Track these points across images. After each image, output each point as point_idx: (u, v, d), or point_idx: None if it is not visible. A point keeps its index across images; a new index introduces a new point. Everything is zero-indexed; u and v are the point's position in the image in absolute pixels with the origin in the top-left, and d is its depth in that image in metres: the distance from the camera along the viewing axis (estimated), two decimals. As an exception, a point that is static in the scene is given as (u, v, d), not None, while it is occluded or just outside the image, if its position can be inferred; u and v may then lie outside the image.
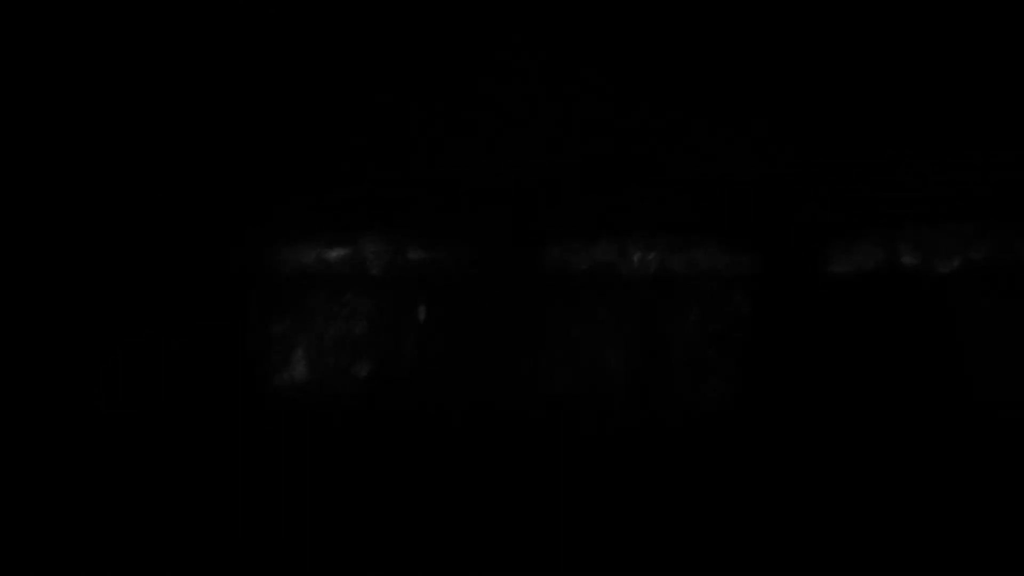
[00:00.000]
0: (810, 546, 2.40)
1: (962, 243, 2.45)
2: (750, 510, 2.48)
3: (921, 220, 2.47)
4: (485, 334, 2.63)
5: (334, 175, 2.64)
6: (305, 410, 2.63)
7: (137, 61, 2.56)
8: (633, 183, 2.61)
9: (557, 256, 2.65)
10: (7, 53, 2.53)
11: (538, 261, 2.65)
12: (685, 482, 2.52)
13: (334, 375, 2.66)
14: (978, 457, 2.39)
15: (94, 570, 2.43)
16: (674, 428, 2.58)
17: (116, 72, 2.57)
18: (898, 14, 2.46)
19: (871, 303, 2.51)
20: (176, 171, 2.62)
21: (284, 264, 2.66)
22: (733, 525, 2.47)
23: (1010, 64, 2.42)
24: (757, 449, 2.53)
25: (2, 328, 2.55)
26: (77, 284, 2.58)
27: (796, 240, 2.57)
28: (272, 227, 2.65)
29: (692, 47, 2.54)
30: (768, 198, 2.57)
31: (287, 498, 2.54)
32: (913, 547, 2.36)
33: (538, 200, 2.62)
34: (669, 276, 2.61)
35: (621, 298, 2.63)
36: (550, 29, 2.56)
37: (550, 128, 2.60)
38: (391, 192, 2.65)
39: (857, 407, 2.50)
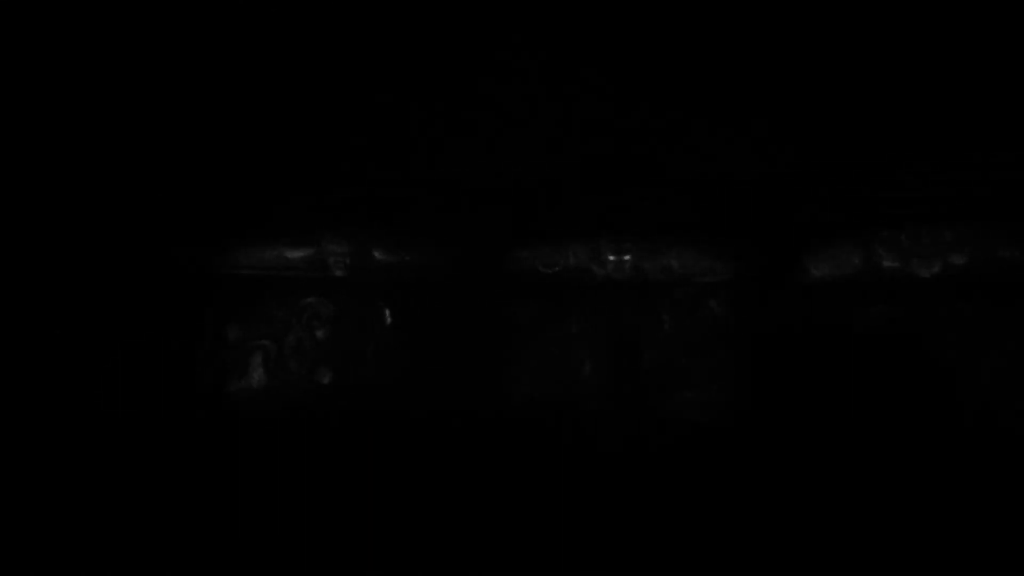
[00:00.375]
0: (788, 553, 2.39)
1: (960, 244, 2.45)
2: (730, 517, 2.45)
3: (921, 220, 2.47)
4: (455, 338, 2.59)
5: (335, 174, 2.64)
6: (265, 416, 2.56)
7: (132, 61, 2.55)
8: (633, 183, 2.61)
9: (530, 259, 2.62)
10: None
11: (511, 263, 2.61)
12: (660, 488, 2.49)
13: (295, 381, 2.59)
14: (964, 462, 2.38)
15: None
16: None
17: (109, 72, 2.55)
18: (897, 15, 2.46)
19: (870, 304, 2.51)
20: (132, 169, 2.56)
21: (243, 265, 2.59)
22: (711, 531, 2.44)
23: (1009, 64, 2.43)
24: (740, 456, 2.50)
25: None
26: (23, 285, 2.49)
27: (795, 240, 2.56)
28: (238, 227, 2.59)
29: (692, 47, 2.54)
30: (768, 198, 2.57)
31: (245, 505, 2.47)
32: (893, 555, 2.35)
33: (538, 200, 2.62)
34: (650, 280, 2.59)
35: (596, 302, 2.59)
36: (550, 29, 2.56)
37: (550, 128, 2.60)
38: (389, 192, 2.63)
39: (844, 414, 2.48)
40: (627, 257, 2.58)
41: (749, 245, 2.56)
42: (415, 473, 2.51)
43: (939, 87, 2.46)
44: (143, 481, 2.48)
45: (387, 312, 2.61)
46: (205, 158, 2.59)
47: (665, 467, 2.51)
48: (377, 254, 2.61)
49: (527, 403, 2.58)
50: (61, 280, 2.52)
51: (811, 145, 2.54)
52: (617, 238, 2.59)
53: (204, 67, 2.55)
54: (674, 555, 2.41)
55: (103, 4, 2.44)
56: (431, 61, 2.57)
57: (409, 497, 2.49)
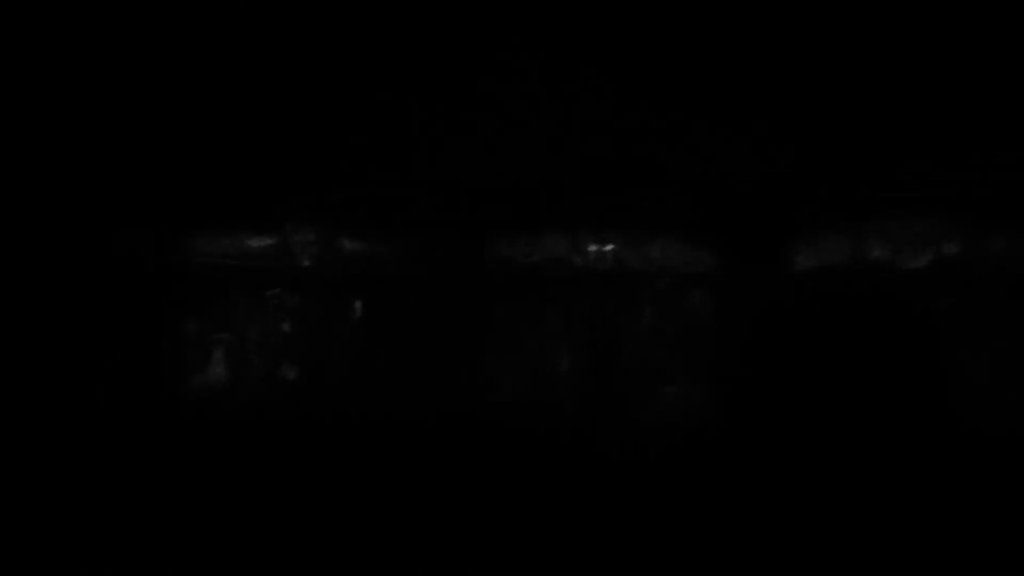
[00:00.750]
0: (781, 553, 2.37)
1: (956, 243, 2.45)
2: (712, 523, 2.43)
3: (919, 219, 2.47)
4: (427, 335, 2.54)
5: (333, 173, 2.63)
6: (226, 417, 2.47)
7: (122, 58, 2.55)
8: (633, 183, 2.61)
9: (506, 251, 2.58)
10: None
11: (486, 256, 2.58)
12: (647, 489, 2.47)
13: (258, 379, 2.49)
14: (957, 461, 2.37)
15: None
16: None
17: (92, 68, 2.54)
18: (898, 14, 2.46)
19: (869, 304, 2.51)
20: (84, 154, 2.47)
21: (203, 255, 2.50)
22: (700, 532, 2.42)
23: (1010, 64, 2.42)
24: (727, 453, 2.49)
25: None
26: None
27: (791, 236, 2.56)
28: (193, 214, 2.50)
29: (692, 47, 2.54)
30: (768, 198, 2.56)
31: (204, 513, 2.39)
32: (889, 556, 2.34)
33: (538, 200, 2.61)
34: (635, 271, 2.57)
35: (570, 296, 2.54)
36: (550, 29, 2.56)
37: (550, 128, 2.60)
38: (385, 192, 2.62)
39: (835, 415, 2.46)
40: (608, 247, 2.55)
41: (743, 239, 2.56)
42: (386, 476, 2.46)
43: (938, 86, 2.46)
44: (95, 489, 2.38)
45: (357, 304, 2.54)
46: (169, 138, 2.52)
47: (651, 466, 2.49)
48: (347, 243, 2.54)
49: (505, 402, 2.55)
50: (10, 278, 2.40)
51: (811, 145, 2.53)
52: (617, 235, 2.57)
53: (170, 40, 2.50)
54: (664, 556, 2.40)
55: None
56: (431, 61, 2.58)
57: (379, 501, 2.44)
